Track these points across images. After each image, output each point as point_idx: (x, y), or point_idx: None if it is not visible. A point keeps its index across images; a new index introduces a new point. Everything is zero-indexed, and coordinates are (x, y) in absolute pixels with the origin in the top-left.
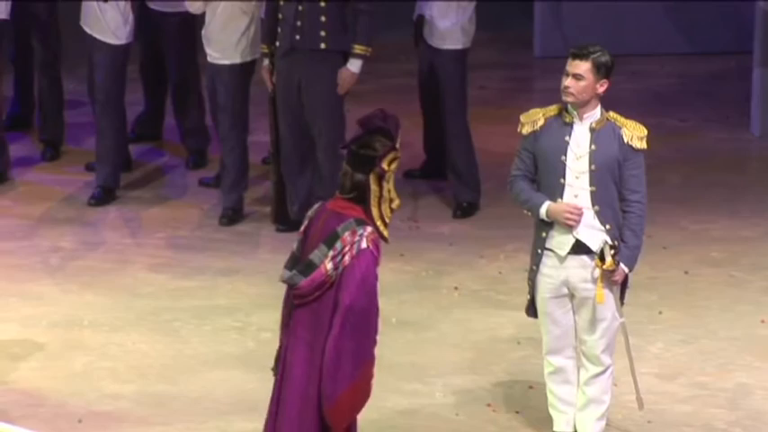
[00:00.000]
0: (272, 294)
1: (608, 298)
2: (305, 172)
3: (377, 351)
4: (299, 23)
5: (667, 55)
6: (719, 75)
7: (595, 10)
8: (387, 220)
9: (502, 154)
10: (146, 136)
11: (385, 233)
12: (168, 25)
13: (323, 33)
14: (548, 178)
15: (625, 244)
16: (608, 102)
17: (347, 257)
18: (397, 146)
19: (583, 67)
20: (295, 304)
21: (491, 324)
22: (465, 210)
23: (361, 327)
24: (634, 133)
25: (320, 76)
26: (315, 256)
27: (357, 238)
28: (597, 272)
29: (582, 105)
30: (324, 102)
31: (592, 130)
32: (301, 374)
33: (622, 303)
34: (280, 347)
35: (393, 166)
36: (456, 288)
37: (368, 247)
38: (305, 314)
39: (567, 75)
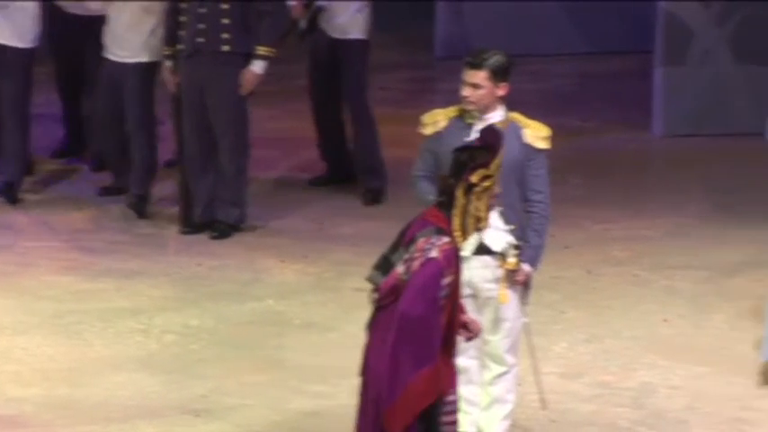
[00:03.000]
0: (176, 297)
1: (511, 298)
2: (208, 173)
3: (286, 354)
4: (201, 26)
5: (568, 55)
6: (620, 75)
7: (496, 11)
8: (467, 235)
9: (404, 155)
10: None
11: (461, 245)
12: (85, 27)
13: (226, 35)
14: None
15: (528, 244)
16: (510, 102)
17: (416, 263)
18: (492, 167)
19: (479, 75)
20: (375, 307)
21: None
22: (375, 196)
23: (416, 334)
24: (536, 133)
25: (223, 77)
26: (395, 256)
27: (428, 246)
28: (500, 272)
29: (483, 109)
30: (227, 103)
31: None
32: (378, 376)
33: (526, 303)
34: (365, 349)
35: (485, 183)
36: (359, 289)
37: (436, 257)
38: (383, 316)
39: (465, 84)
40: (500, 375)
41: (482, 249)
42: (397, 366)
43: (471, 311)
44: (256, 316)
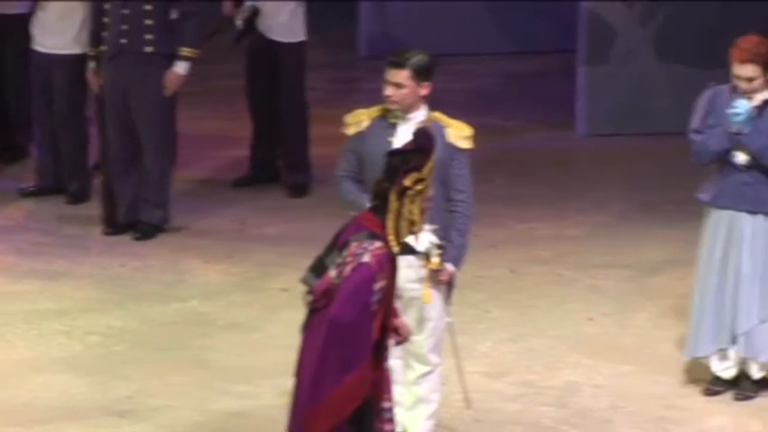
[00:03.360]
0: (99, 298)
1: (435, 298)
2: (131, 174)
3: (210, 355)
4: (124, 27)
5: (492, 54)
6: (543, 74)
7: (419, 11)
8: (400, 239)
9: (328, 155)
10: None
11: (395, 248)
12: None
13: (149, 36)
14: (374, 179)
15: (451, 243)
16: (433, 102)
17: (348, 268)
18: (425, 170)
19: (402, 75)
20: (309, 309)
21: None
22: (300, 190)
23: (345, 339)
24: (459, 133)
25: (147, 78)
26: (329, 259)
27: (361, 250)
28: (424, 272)
29: (406, 109)
30: (151, 104)
31: None
32: (307, 380)
33: (449, 303)
34: (299, 350)
35: (418, 187)
36: (284, 289)
37: (368, 262)
38: (316, 319)
39: (388, 83)
40: (424, 375)
41: (406, 249)
42: (323, 370)
43: None
44: (180, 317)
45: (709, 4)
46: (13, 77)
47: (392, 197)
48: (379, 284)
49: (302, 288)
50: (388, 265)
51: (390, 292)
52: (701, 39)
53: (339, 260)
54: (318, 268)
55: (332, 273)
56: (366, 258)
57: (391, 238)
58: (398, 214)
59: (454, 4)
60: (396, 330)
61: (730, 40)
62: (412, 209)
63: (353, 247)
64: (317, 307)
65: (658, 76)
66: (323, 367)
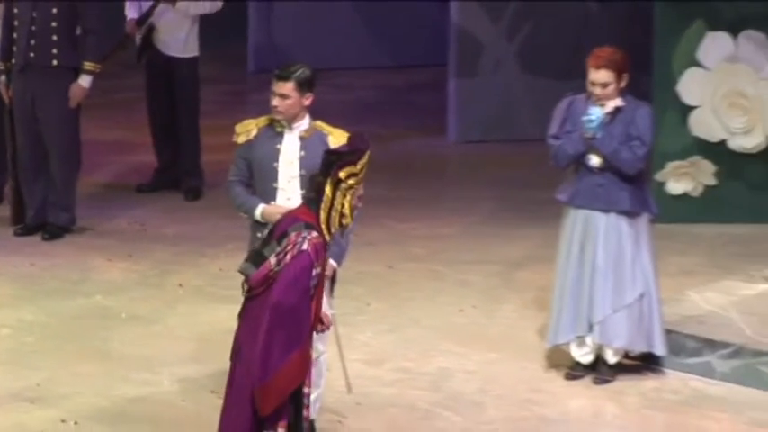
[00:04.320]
0: (11, 294)
1: None
2: (40, 179)
3: (113, 346)
4: (32, 42)
5: (370, 68)
6: (418, 86)
7: (304, 28)
8: (332, 229)
9: (220, 161)
10: None
11: (327, 237)
12: None
13: (55, 51)
14: (262, 183)
15: (334, 241)
16: (316, 112)
17: (288, 256)
18: (359, 166)
19: (287, 87)
20: (246, 296)
21: (214, 317)
22: (195, 194)
23: (287, 322)
24: (339, 140)
25: (53, 90)
26: (267, 249)
27: (300, 239)
28: None
29: (291, 118)
30: (57, 115)
31: (301, 138)
32: (247, 360)
33: (332, 296)
34: (235, 336)
35: (350, 181)
36: (180, 285)
37: (307, 249)
38: (254, 306)
39: (274, 94)
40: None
41: None
42: (269, 351)
43: None
44: (85, 311)
45: (566, 22)
46: None
47: (327, 189)
48: (315, 270)
49: (196, 283)
50: (322, 253)
51: (322, 278)
52: (560, 53)
53: (278, 249)
54: (256, 259)
55: (271, 260)
56: (305, 246)
57: (323, 227)
58: (331, 206)
59: (335, 22)
60: (320, 320)
61: (586, 54)
62: (344, 202)
63: (293, 236)
64: (255, 294)
65: (522, 88)
66: (269, 348)
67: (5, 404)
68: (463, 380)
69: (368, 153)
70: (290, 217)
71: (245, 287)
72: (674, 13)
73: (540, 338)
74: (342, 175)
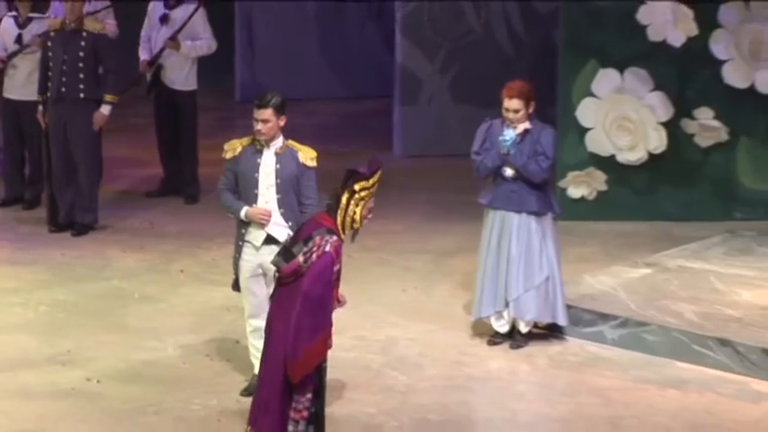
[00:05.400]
0: (46, 279)
1: None
2: (69, 188)
3: (129, 320)
4: (64, 78)
5: (331, 98)
6: (370, 113)
7: (280, 65)
8: (344, 231)
9: (213, 173)
10: None
11: (343, 237)
12: None
13: (82, 86)
14: (246, 190)
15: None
16: (289, 133)
17: (314, 255)
18: (371, 181)
19: (266, 113)
20: (278, 283)
21: (208, 297)
22: (193, 199)
23: (315, 307)
24: (307, 155)
25: (80, 117)
26: (296, 248)
27: (323, 242)
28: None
29: (270, 138)
30: (83, 136)
31: (276, 154)
32: (278, 334)
33: None
34: (269, 313)
35: (363, 193)
36: (182, 271)
37: (330, 251)
38: (285, 291)
39: (257, 121)
40: None
41: (270, 240)
42: (299, 332)
43: (261, 287)
44: (106, 292)
45: (489, 62)
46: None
47: (343, 198)
48: (336, 267)
49: (194, 270)
50: (341, 252)
51: (340, 272)
52: (483, 87)
53: (305, 249)
54: (286, 254)
55: (300, 258)
56: (328, 248)
57: (340, 229)
58: (345, 212)
59: (304, 61)
60: (338, 300)
61: (503, 86)
62: (356, 210)
63: (317, 239)
64: (285, 283)
65: (452, 114)
66: (299, 330)
67: (42, 366)
68: (406, 346)
69: (380, 172)
70: (314, 222)
71: (278, 275)
72: (574, 54)
73: (467, 313)
74: (356, 187)
